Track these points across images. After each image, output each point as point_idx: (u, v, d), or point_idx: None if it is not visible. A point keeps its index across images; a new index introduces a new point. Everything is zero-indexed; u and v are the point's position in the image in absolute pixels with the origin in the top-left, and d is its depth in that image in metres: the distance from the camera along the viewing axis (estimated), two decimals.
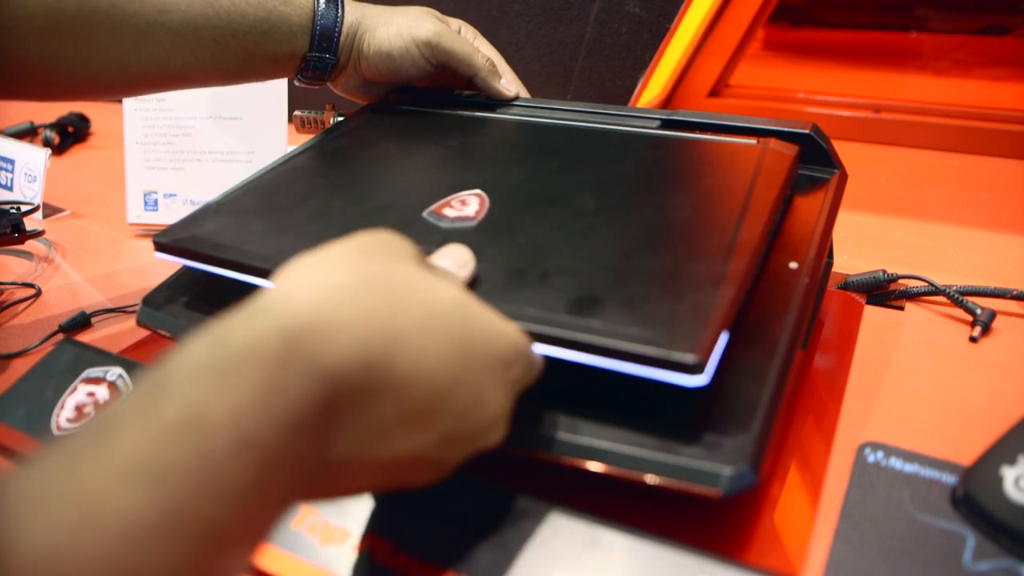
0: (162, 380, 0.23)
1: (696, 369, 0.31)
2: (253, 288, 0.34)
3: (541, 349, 0.33)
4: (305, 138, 0.58)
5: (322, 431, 0.25)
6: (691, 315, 0.33)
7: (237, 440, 0.22)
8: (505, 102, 0.57)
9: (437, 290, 0.30)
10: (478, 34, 0.59)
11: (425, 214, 0.42)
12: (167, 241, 0.44)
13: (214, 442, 0.22)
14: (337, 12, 0.54)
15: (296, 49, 0.54)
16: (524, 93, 0.59)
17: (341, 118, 0.67)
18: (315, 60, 0.55)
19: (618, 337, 0.32)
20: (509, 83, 0.58)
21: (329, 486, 0.28)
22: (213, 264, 0.42)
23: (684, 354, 0.31)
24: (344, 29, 0.54)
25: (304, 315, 0.26)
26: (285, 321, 0.25)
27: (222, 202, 0.47)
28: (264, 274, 0.39)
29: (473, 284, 0.36)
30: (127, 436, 0.22)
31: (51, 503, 0.20)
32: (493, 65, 0.57)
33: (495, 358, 0.30)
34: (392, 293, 0.28)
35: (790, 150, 0.46)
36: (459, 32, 0.58)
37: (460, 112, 0.57)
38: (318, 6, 0.53)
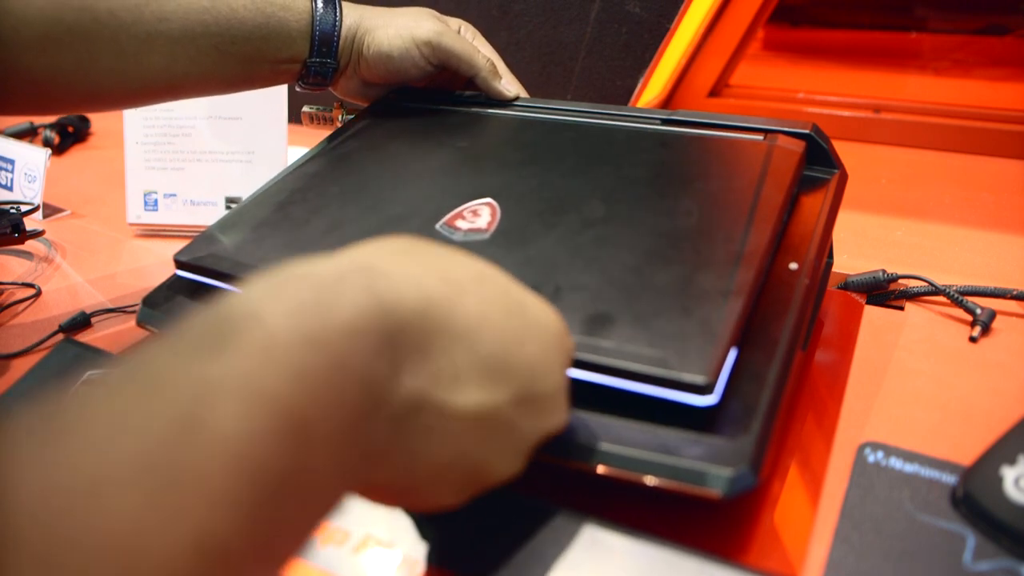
0: (220, 302, 0.24)
1: (706, 390, 0.31)
2: None
3: None
4: (314, 134, 0.57)
5: (386, 358, 0.25)
6: (700, 332, 0.33)
7: (299, 336, 0.23)
8: (505, 103, 0.57)
9: (481, 261, 0.30)
10: (477, 34, 0.59)
11: (438, 226, 0.43)
12: (187, 260, 0.44)
13: (276, 330, 0.22)
14: (335, 15, 0.54)
15: (296, 54, 0.54)
16: (523, 94, 0.58)
17: (351, 116, 0.67)
18: (316, 65, 0.54)
19: (628, 358, 0.32)
20: (509, 84, 0.58)
21: (411, 437, 0.26)
22: (234, 284, 0.42)
23: (694, 375, 0.31)
24: (343, 32, 0.54)
25: (359, 260, 0.26)
26: (340, 260, 0.26)
27: (238, 214, 0.47)
28: None
29: None
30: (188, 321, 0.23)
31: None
32: (494, 65, 0.57)
33: (552, 327, 0.30)
34: (442, 255, 0.29)
35: (797, 146, 0.46)
36: (459, 32, 0.58)
37: (465, 110, 0.56)
38: (316, 10, 0.53)
